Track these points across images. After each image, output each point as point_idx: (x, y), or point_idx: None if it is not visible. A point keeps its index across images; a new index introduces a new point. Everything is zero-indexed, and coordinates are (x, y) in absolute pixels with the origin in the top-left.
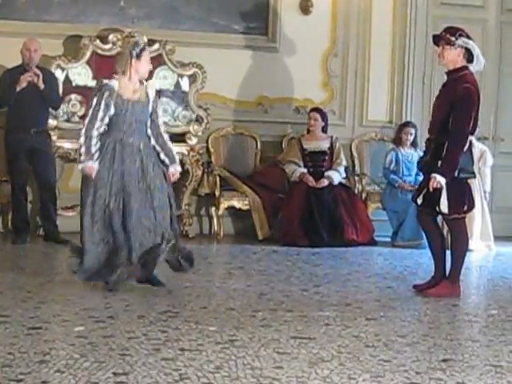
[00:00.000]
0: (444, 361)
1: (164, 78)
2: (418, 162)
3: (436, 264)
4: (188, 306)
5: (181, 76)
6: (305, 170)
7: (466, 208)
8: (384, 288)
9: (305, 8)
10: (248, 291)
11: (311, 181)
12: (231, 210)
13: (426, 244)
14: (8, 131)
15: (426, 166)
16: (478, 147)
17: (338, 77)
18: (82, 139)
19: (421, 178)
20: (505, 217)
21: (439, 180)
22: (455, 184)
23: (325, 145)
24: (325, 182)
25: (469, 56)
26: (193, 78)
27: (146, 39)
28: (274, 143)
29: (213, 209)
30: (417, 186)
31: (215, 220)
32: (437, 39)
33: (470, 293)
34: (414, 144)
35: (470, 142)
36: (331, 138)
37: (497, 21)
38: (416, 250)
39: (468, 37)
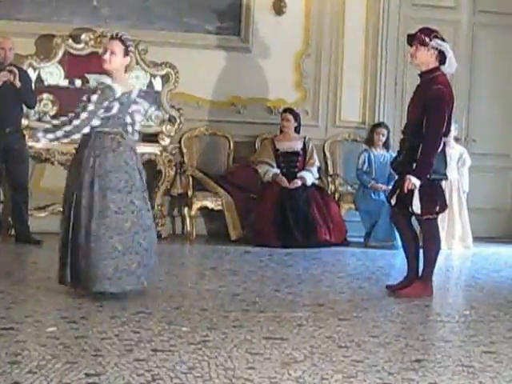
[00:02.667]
0: (416, 361)
1: (137, 78)
2: (392, 163)
3: (409, 264)
4: (161, 307)
5: (153, 76)
6: (278, 171)
7: (438, 209)
8: (357, 288)
9: (278, 8)
10: (221, 292)
11: (284, 181)
12: (204, 210)
13: (400, 244)
14: None
15: (400, 167)
16: (457, 148)
17: (311, 77)
18: None
19: (394, 178)
20: (477, 217)
21: (414, 182)
22: (427, 185)
23: (298, 145)
24: (298, 183)
25: (441, 58)
26: (165, 78)
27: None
28: (247, 143)
29: (185, 209)
30: (391, 187)
31: (188, 220)
32: (411, 39)
33: (442, 293)
34: (386, 145)
35: (444, 144)
36: (304, 138)
37: (469, 22)
38: (389, 250)
39: (442, 39)
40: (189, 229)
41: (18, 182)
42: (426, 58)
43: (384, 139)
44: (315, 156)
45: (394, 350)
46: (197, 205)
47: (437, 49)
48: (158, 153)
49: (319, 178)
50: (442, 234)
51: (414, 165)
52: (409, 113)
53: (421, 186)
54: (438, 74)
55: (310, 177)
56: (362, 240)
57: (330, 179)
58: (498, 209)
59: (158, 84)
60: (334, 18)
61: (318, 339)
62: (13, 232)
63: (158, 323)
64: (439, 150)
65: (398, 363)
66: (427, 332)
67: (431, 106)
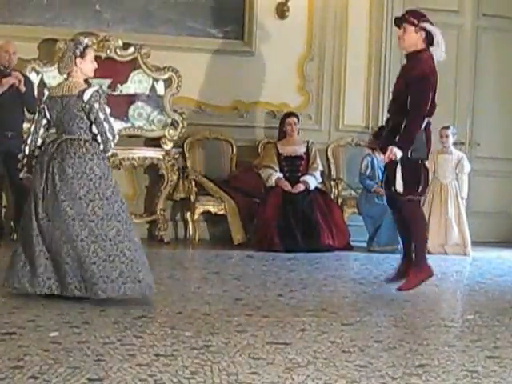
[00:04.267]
0: (420, 366)
1: (139, 82)
2: (379, 143)
3: (404, 247)
4: (163, 312)
5: (156, 80)
6: (281, 175)
7: (420, 189)
8: (360, 293)
9: (281, 12)
10: (223, 296)
11: (287, 186)
12: (207, 214)
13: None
14: None
15: (384, 142)
16: (456, 154)
17: (314, 81)
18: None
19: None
20: (481, 221)
21: (395, 152)
22: (409, 164)
23: (301, 149)
24: (301, 187)
25: (429, 40)
26: (168, 82)
27: (121, 42)
28: (250, 148)
29: (188, 214)
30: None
31: (190, 225)
32: (399, 21)
33: (446, 298)
34: None
35: (427, 125)
36: (307, 142)
37: (472, 25)
38: (392, 254)
39: (431, 23)
40: (191, 233)
41: (20, 186)
42: (414, 39)
43: None
44: (318, 160)
45: (397, 355)
46: (199, 209)
47: (425, 30)
48: (161, 157)
49: (322, 183)
50: (438, 240)
51: (397, 138)
52: (393, 93)
53: (403, 166)
54: (424, 54)
55: (313, 181)
56: (365, 244)
57: (333, 183)
58: (503, 213)
59: (160, 88)
60: (337, 22)
61: (322, 344)
62: (15, 237)
63: (161, 328)
64: (421, 128)
65: (401, 368)
66: (431, 337)
67: (415, 84)
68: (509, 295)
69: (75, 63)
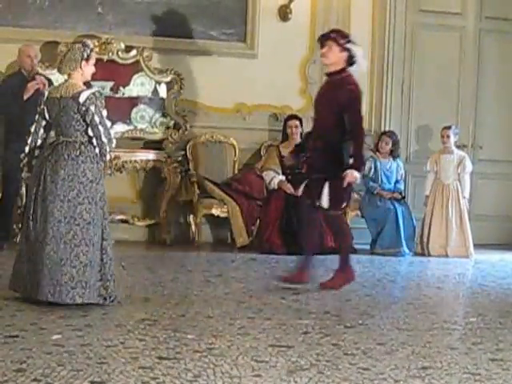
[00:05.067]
0: (423, 368)
1: (141, 85)
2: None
3: (304, 249)
4: (166, 314)
5: (158, 83)
6: (283, 178)
7: (343, 206)
8: (363, 296)
9: (283, 15)
10: (226, 299)
11: (289, 188)
12: (209, 217)
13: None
14: (9, 139)
15: (317, 166)
16: (458, 154)
17: (316, 84)
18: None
19: (400, 186)
20: (484, 224)
21: (355, 175)
22: (337, 183)
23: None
24: None
25: (350, 61)
26: (170, 85)
27: (123, 45)
28: (252, 150)
29: (191, 216)
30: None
31: (193, 227)
32: (324, 39)
33: (448, 300)
34: (392, 153)
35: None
36: None
37: (475, 28)
38: (395, 257)
39: (354, 43)
40: (194, 236)
41: None
42: (338, 58)
43: (388, 147)
44: None
45: (400, 358)
46: (202, 212)
47: (348, 51)
48: (163, 160)
49: None
50: (439, 241)
51: (351, 160)
52: (318, 113)
53: (331, 184)
54: (347, 74)
55: None
56: (368, 247)
57: None
58: (505, 215)
59: (162, 91)
60: (340, 24)
61: (324, 347)
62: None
63: (164, 331)
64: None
65: (404, 371)
66: (433, 339)
67: (351, 105)
68: (511, 298)
69: (80, 66)
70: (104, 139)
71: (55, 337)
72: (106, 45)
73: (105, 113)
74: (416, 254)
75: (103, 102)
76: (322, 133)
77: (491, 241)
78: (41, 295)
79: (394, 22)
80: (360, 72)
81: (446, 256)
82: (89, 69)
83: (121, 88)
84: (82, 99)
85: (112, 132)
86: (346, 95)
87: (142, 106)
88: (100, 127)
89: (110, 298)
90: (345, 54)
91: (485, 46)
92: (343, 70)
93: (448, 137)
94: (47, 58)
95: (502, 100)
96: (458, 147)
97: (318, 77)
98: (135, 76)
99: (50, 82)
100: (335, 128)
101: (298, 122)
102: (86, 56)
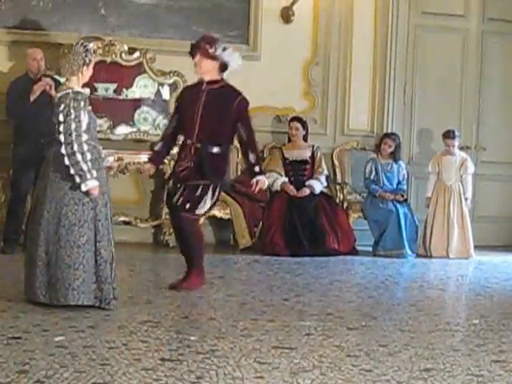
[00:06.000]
0: (425, 370)
1: (144, 87)
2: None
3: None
4: (169, 316)
5: (161, 84)
6: (286, 180)
7: (197, 212)
8: (365, 297)
9: (286, 16)
10: (229, 301)
11: (292, 190)
12: (212, 219)
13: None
14: (18, 142)
15: (199, 173)
16: (460, 155)
17: (319, 85)
18: (79, 157)
19: (403, 187)
20: (486, 226)
21: (264, 180)
22: (202, 188)
23: (306, 154)
24: (306, 192)
25: (223, 68)
26: (173, 87)
27: (126, 47)
28: None
29: None
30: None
31: None
32: (194, 50)
33: (451, 302)
34: (394, 155)
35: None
36: (312, 147)
37: (478, 30)
38: (397, 259)
39: (223, 48)
40: None
41: None
42: (209, 68)
43: (390, 149)
44: (323, 164)
45: (403, 359)
46: None
47: (220, 59)
48: (166, 162)
49: (327, 187)
50: (440, 242)
51: (257, 168)
52: (200, 119)
53: (195, 189)
54: (226, 83)
55: (318, 185)
56: (370, 249)
57: (338, 188)
58: (508, 217)
59: (165, 93)
60: (343, 26)
61: (327, 348)
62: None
63: (166, 332)
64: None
65: (407, 372)
66: (436, 341)
67: (244, 114)
68: None
69: (81, 71)
70: (62, 138)
71: (58, 338)
72: (109, 47)
73: (83, 116)
74: (418, 256)
75: (81, 103)
76: (203, 140)
77: (494, 242)
78: (34, 296)
79: (397, 24)
80: (234, 69)
81: (448, 257)
82: (88, 73)
83: (124, 90)
84: (56, 98)
85: (74, 132)
86: (240, 105)
87: (145, 108)
88: (62, 126)
89: (105, 300)
90: (216, 63)
91: (488, 47)
92: (220, 79)
93: (453, 146)
94: (51, 61)
95: (504, 102)
96: (461, 149)
97: (320, 79)
98: (138, 78)
99: (59, 83)
100: (218, 136)
101: (299, 124)
102: (87, 61)
